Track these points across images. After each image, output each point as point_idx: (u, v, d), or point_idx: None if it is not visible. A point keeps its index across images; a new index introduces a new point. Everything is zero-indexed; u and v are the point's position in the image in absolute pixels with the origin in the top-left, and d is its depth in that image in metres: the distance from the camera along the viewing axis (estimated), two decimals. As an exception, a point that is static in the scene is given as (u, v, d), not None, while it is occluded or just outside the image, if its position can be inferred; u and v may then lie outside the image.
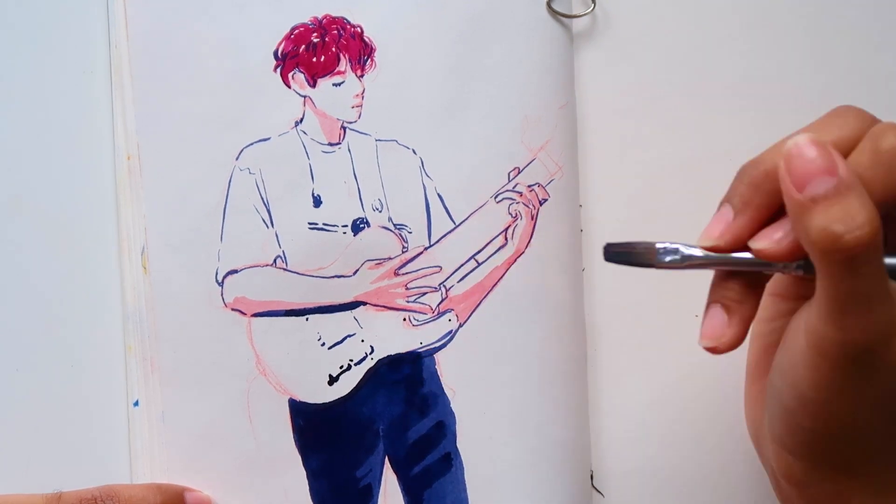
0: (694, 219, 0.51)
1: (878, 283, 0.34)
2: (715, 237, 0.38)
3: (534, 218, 0.49)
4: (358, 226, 0.48)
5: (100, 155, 0.48)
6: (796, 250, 0.36)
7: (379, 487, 0.48)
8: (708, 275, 0.39)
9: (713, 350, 0.38)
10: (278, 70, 0.48)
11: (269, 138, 0.48)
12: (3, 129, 0.48)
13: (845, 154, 0.36)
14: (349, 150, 0.48)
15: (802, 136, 0.35)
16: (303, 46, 0.48)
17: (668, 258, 0.38)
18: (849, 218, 0.33)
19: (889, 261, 0.35)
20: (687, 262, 0.38)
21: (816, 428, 0.36)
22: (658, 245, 0.39)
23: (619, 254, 0.39)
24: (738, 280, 0.39)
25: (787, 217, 0.36)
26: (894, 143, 0.35)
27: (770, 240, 0.36)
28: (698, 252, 0.38)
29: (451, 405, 0.48)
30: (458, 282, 0.49)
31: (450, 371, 0.48)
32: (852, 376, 0.35)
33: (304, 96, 0.48)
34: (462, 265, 0.49)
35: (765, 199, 0.37)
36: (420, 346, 0.48)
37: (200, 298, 0.47)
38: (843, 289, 0.34)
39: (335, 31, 0.48)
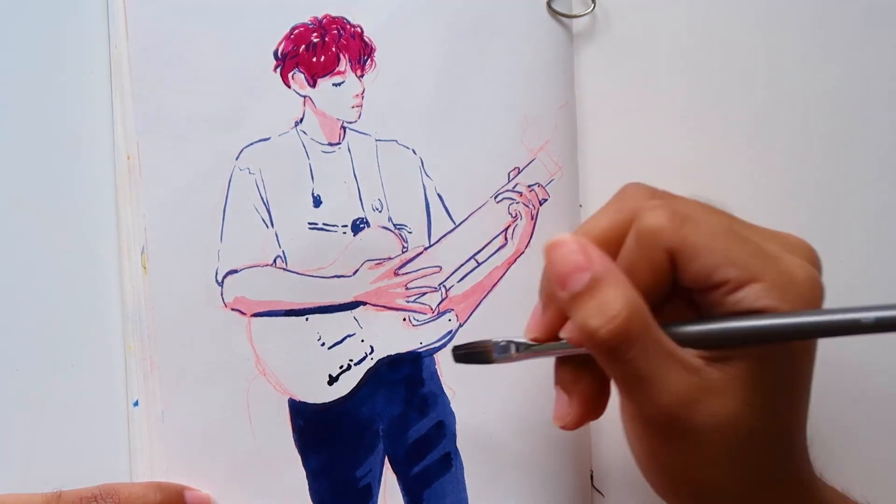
0: (694, 219, 0.51)
1: (653, 362, 0.35)
2: (530, 331, 0.40)
3: (534, 218, 0.49)
4: (358, 226, 0.48)
5: (100, 155, 0.48)
6: None
7: (379, 487, 0.48)
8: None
9: (564, 428, 0.40)
10: (278, 70, 0.48)
11: (268, 138, 0.48)
12: (3, 129, 0.48)
13: (620, 240, 0.37)
14: (349, 150, 0.48)
15: (561, 235, 0.37)
16: (303, 46, 0.48)
17: (501, 353, 0.41)
18: (602, 310, 0.35)
19: (680, 329, 0.36)
20: (517, 355, 0.40)
21: (654, 483, 0.38)
22: (495, 341, 0.41)
23: (465, 354, 0.42)
24: (569, 362, 0.40)
25: None
26: (649, 223, 0.36)
27: (569, 330, 0.38)
28: (526, 344, 0.40)
29: (451, 405, 0.48)
30: (458, 282, 0.49)
31: (450, 371, 0.48)
32: (663, 445, 0.36)
33: (304, 96, 0.48)
34: (462, 265, 0.49)
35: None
36: (420, 346, 0.48)
37: (200, 298, 0.47)
38: (619, 374, 0.36)
39: (335, 31, 0.48)
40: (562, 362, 0.41)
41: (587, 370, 0.40)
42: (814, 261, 0.38)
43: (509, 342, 0.41)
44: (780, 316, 0.34)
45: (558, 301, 0.37)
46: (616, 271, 0.36)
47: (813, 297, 0.35)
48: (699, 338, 0.36)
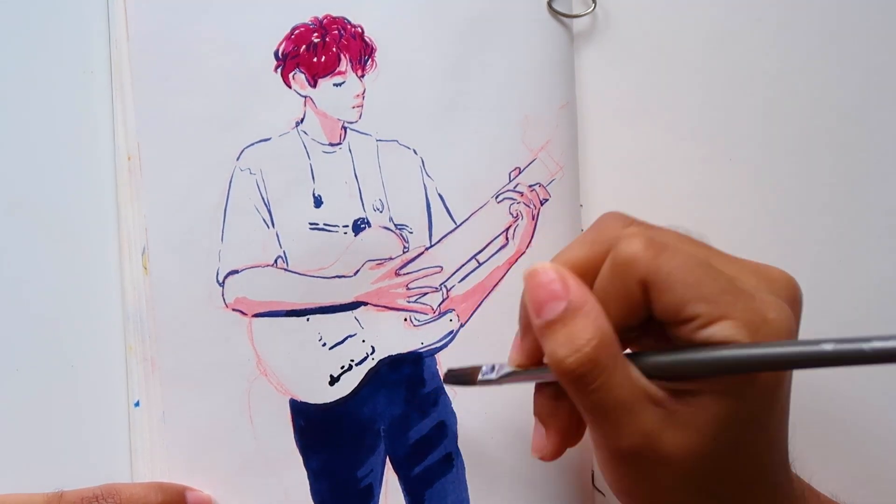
0: (694, 218, 0.51)
1: (619, 393, 0.35)
2: (512, 358, 0.41)
3: (535, 218, 0.49)
4: (359, 226, 0.48)
5: (100, 155, 0.48)
6: None
7: (380, 487, 0.48)
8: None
9: (542, 459, 0.41)
10: (279, 70, 0.48)
11: (269, 138, 0.48)
12: (2, 129, 0.48)
13: (598, 269, 0.37)
14: (350, 151, 0.48)
15: (541, 262, 0.38)
16: (303, 46, 0.48)
17: (484, 376, 0.42)
18: (572, 340, 0.35)
19: (647, 360, 0.36)
20: (498, 379, 0.41)
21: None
22: (483, 366, 0.42)
23: (452, 376, 0.44)
24: (546, 394, 0.41)
25: None
26: (625, 251, 0.36)
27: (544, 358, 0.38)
28: (508, 369, 0.41)
29: (452, 405, 0.48)
30: (459, 282, 0.49)
31: (451, 371, 0.48)
32: (630, 473, 0.37)
33: (305, 96, 0.48)
34: (463, 265, 0.49)
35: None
36: (421, 346, 0.48)
37: (201, 299, 0.47)
38: (585, 404, 0.36)
39: (336, 32, 0.48)
40: (539, 393, 0.41)
41: (564, 402, 0.40)
42: (793, 295, 0.37)
43: (493, 366, 0.42)
44: (741, 347, 0.34)
45: (534, 328, 0.37)
46: (591, 302, 0.36)
47: (783, 336, 0.35)
48: (665, 368, 0.36)
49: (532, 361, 0.40)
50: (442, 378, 0.46)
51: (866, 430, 0.51)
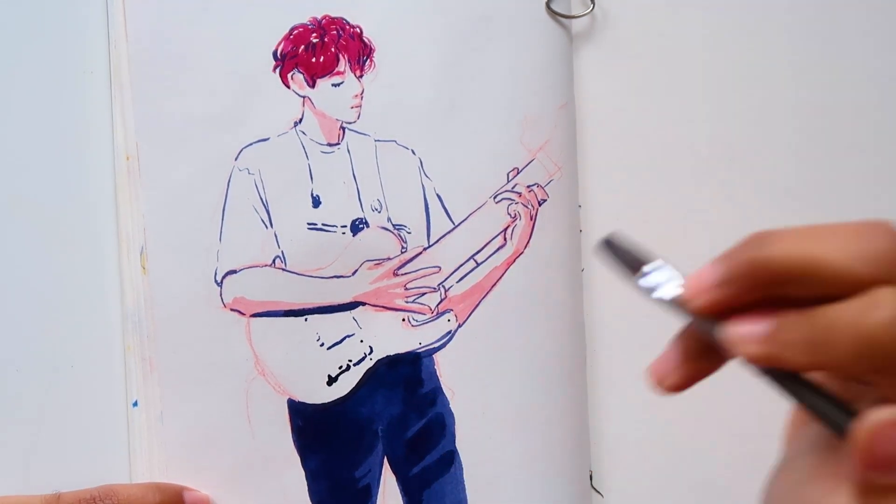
0: (693, 219, 0.51)
1: None
2: (693, 292, 0.32)
3: (533, 218, 0.49)
4: (357, 226, 0.48)
5: (99, 155, 0.48)
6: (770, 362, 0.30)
7: (378, 488, 0.48)
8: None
9: (655, 388, 0.34)
10: (277, 70, 0.48)
11: (268, 138, 0.48)
12: (2, 128, 0.48)
13: None
14: (348, 151, 0.48)
15: (888, 412, 0.29)
16: (302, 47, 0.48)
17: (645, 283, 0.32)
18: None
19: None
20: (665, 300, 0.32)
21: None
22: (646, 267, 0.32)
23: (614, 252, 0.33)
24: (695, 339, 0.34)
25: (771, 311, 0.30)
26: None
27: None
28: (671, 295, 0.32)
29: (451, 405, 0.48)
30: (458, 282, 0.49)
31: (449, 371, 0.48)
32: None
33: (304, 97, 0.48)
34: (461, 265, 0.49)
35: (758, 289, 0.32)
36: (419, 346, 0.48)
37: (199, 299, 0.47)
38: None
39: (334, 32, 0.48)
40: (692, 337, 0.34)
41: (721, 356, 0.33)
42: None
43: (659, 271, 0.32)
44: None
45: (860, 479, 0.29)
46: None
47: None
48: None
49: (716, 311, 0.31)
50: (599, 245, 0.33)
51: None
